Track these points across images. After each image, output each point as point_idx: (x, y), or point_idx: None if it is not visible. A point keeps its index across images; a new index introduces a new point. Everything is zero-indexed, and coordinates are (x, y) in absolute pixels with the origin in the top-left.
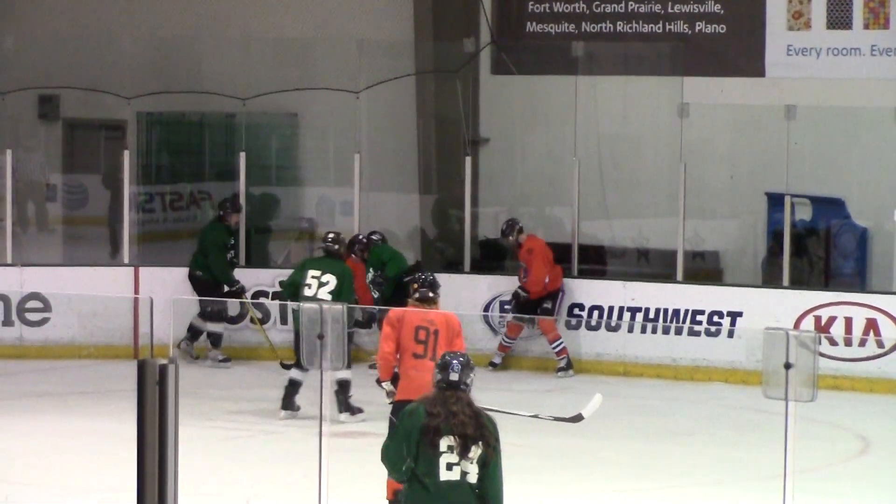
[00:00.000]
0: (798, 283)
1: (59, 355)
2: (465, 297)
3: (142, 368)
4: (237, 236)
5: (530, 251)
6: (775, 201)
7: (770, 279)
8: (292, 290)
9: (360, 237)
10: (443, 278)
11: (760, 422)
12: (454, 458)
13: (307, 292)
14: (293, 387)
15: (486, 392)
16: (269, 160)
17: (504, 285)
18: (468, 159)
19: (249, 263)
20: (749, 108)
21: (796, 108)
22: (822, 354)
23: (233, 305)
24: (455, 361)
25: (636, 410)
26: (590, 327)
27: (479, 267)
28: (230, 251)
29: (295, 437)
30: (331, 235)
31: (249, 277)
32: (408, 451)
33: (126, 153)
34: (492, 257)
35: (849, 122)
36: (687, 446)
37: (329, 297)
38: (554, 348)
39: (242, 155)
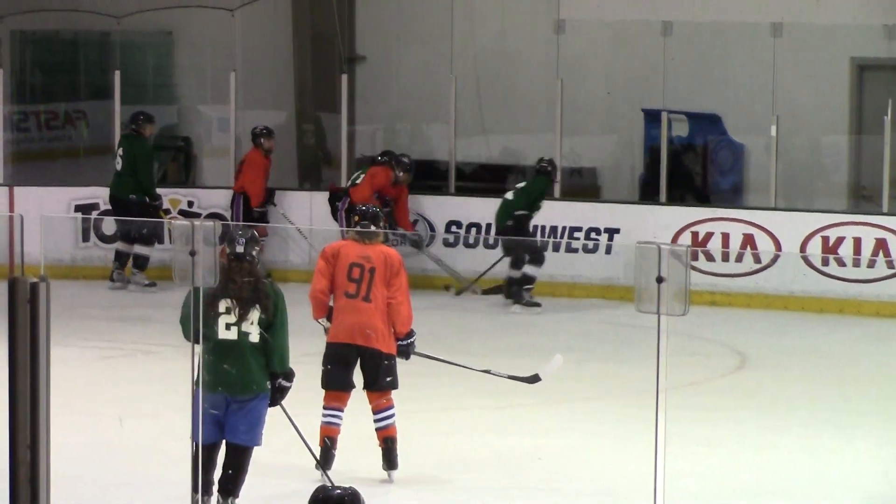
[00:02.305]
0: (675, 199)
1: None
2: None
3: (12, 286)
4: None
5: None
6: (652, 117)
7: (647, 196)
8: None
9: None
10: (317, 196)
11: (638, 338)
12: (232, 319)
13: None
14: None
15: None
16: (145, 78)
17: None
18: (344, 77)
19: None
20: (626, 24)
21: (673, 24)
22: (699, 270)
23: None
24: (240, 236)
25: (514, 328)
26: (467, 244)
27: None
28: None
29: (170, 357)
30: None
31: None
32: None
33: None
34: None
35: (725, 37)
36: (565, 363)
37: None
38: None
39: (117, 73)
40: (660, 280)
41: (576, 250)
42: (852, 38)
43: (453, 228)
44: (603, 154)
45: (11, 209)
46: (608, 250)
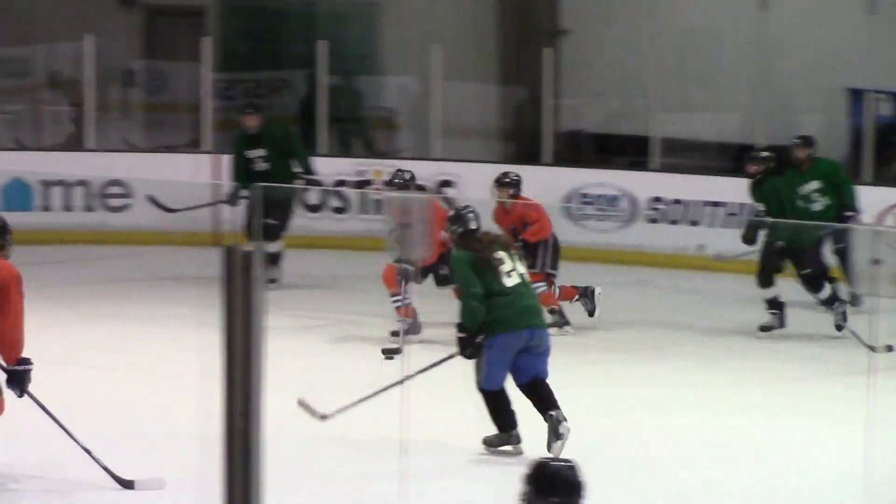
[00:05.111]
0: (881, 179)
1: (140, 241)
2: (546, 189)
3: (227, 254)
4: (262, 140)
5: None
6: (857, 97)
7: (851, 175)
8: None
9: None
10: (523, 170)
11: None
12: (509, 265)
13: None
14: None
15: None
16: (349, 49)
17: (583, 177)
18: (549, 51)
19: (330, 152)
20: (830, 1)
21: (877, 2)
22: None
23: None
24: (469, 213)
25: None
26: (670, 221)
27: (561, 159)
28: (248, 159)
29: (375, 326)
30: None
31: (330, 166)
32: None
33: (206, 40)
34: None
35: None
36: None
37: None
38: None
39: (322, 43)
40: (876, 262)
41: None
42: None
43: (656, 204)
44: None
45: (217, 177)
46: None
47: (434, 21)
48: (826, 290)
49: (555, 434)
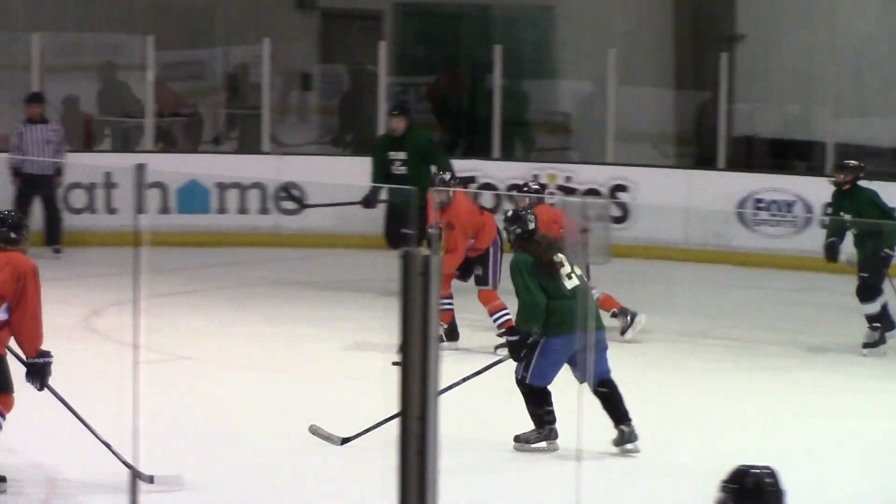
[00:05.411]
0: None
1: (313, 244)
2: (719, 193)
3: (406, 259)
4: (405, 143)
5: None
6: None
7: None
8: None
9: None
10: (697, 175)
11: None
12: (567, 268)
13: None
14: None
15: None
16: (524, 53)
17: (758, 182)
18: (725, 55)
19: (504, 156)
20: None
21: None
22: None
23: None
24: (528, 215)
25: None
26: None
27: (735, 164)
28: (391, 161)
29: None
30: None
31: (505, 170)
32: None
33: (382, 44)
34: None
35: None
36: None
37: None
38: (496, 320)
39: (498, 48)
40: None
41: None
42: None
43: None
44: None
45: None
46: None
47: (609, 25)
48: (875, 305)
49: (619, 444)
